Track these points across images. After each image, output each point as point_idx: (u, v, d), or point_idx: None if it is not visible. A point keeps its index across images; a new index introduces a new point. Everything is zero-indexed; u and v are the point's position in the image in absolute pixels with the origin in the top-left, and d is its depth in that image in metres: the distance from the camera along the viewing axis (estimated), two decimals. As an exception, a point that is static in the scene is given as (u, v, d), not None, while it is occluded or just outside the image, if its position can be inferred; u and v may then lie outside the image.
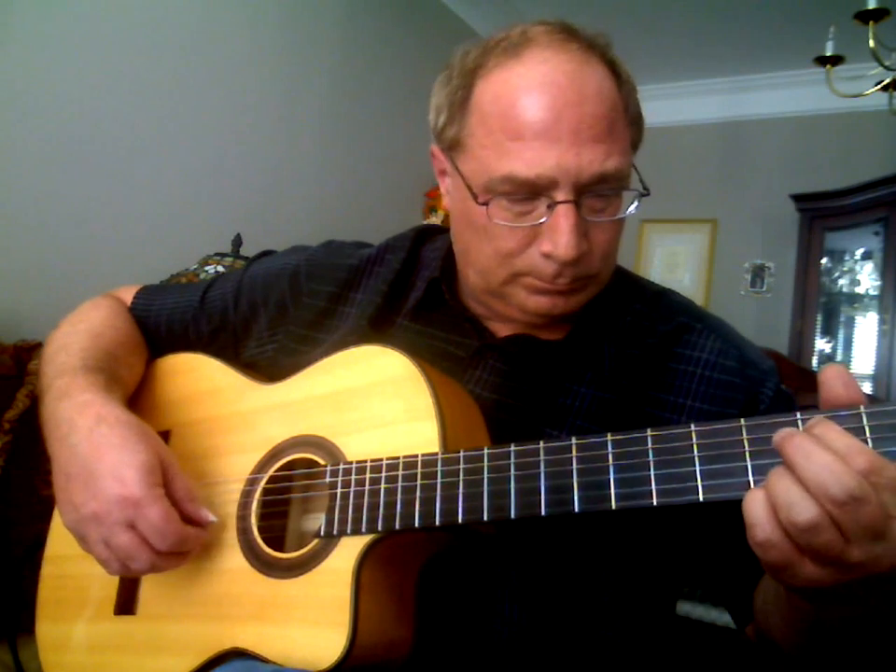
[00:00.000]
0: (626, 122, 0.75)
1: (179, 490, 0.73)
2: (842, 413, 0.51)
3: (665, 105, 4.19)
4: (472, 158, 0.75)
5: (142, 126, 2.22)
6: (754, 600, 0.75)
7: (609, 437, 0.59)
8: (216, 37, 2.45)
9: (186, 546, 0.72)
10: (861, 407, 0.51)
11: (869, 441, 0.50)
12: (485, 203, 0.73)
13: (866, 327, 3.85)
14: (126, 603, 0.82)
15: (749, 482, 0.53)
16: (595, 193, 0.72)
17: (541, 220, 0.72)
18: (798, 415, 0.53)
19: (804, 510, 0.47)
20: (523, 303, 0.77)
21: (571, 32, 0.74)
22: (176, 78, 2.32)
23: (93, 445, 0.73)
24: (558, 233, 0.71)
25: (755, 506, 0.49)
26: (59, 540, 0.91)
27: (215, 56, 2.45)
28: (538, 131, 0.70)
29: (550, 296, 0.76)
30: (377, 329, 0.86)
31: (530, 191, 0.71)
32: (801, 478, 0.48)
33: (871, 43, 2.41)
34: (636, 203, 0.76)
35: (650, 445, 0.58)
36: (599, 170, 0.70)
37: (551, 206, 0.71)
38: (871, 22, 2.39)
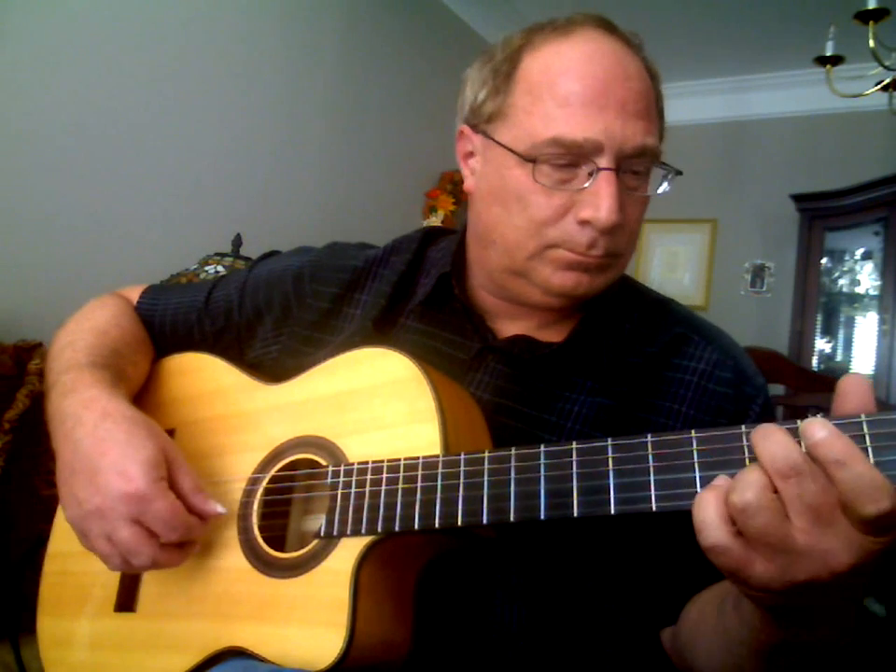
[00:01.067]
0: (658, 112, 0.79)
1: (185, 483, 0.74)
2: (841, 422, 0.51)
3: (665, 105, 4.18)
4: (515, 125, 0.76)
5: (142, 126, 2.22)
6: (687, 614, 0.75)
7: (610, 441, 0.59)
8: (216, 38, 2.45)
9: (192, 536, 0.73)
10: (862, 415, 0.50)
11: (869, 449, 0.50)
12: (532, 161, 0.74)
13: (866, 327, 3.85)
14: (126, 600, 0.82)
15: None
16: (632, 169, 0.75)
17: (584, 186, 0.73)
18: (798, 423, 0.53)
19: (743, 490, 0.48)
20: (547, 280, 0.77)
21: (612, 25, 0.78)
22: (177, 78, 2.32)
23: (98, 440, 0.73)
24: (601, 198, 0.72)
25: (704, 510, 0.50)
26: (61, 537, 0.91)
27: (215, 57, 2.45)
28: (586, 98, 0.72)
29: (576, 272, 0.76)
30: (381, 330, 0.86)
31: (575, 156, 0.73)
32: (757, 455, 0.49)
33: (871, 43, 2.41)
34: (667, 183, 0.79)
35: (650, 451, 0.58)
36: (642, 142, 0.73)
37: (592, 174, 0.73)
38: (871, 22, 2.39)
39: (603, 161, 0.72)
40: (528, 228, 0.75)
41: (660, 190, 0.79)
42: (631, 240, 0.78)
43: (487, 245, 0.81)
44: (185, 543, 0.73)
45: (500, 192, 0.77)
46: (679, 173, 0.78)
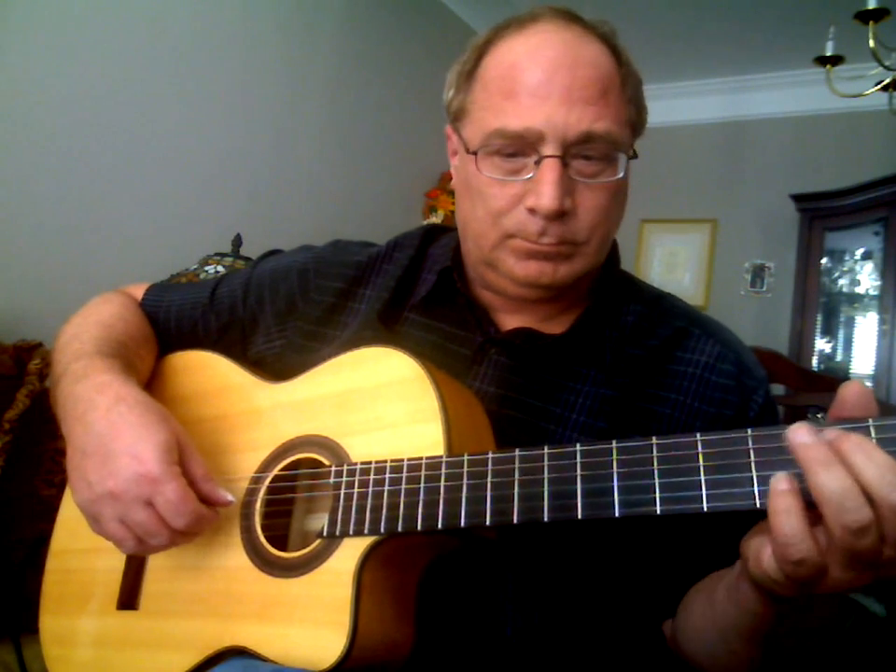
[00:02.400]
0: (623, 97, 0.77)
1: (196, 470, 0.74)
2: (849, 426, 0.51)
3: (665, 105, 4.18)
4: (473, 121, 0.79)
5: (142, 126, 2.22)
6: (682, 605, 0.76)
7: (614, 444, 0.59)
8: (215, 38, 2.45)
9: (201, 525, 0.73)
10: (870, 420, 0.50)
11: None
12: (475, 153, 0.76)
13: (866, 327, 3.84)
14: (129, 598, 0.82)
15: (753, 492, 0.53)
16: (584, 156, 0.74)
17: (528, 175, 0.74)
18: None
19: (859, 514, 0.47)
20: (511, 270, 0.78)
21: (576, 16, 0.78)
22: (176, 79, 2.32)
23: (111, 423, 0.73)
24: (541, 185, 0.73)
25: (791, 524, 0.49)
26: (64, 535, 0.91)
27: (215, 56, 2.45)
28: (530, 89, 0.73)
29: (536, 261, 0.76)
30: (386, 325, 0.87)
31: (520, 146, 0.74)
32: (860, 478, 0.47)
33: (871, 43, 2.41)
34: (623, 168, 0.76)
35: (654, 453, 0.57)
36: (587, 128, 0.73)
37: (538, 162, 0.73)
38: (871, 22, 2.39)
39: (547, 150, 0.73)
40: (487, 219, 0.77)
41: (616, 177, 0.76)
42: (594, 228, 0.77)
43: (465, 239, 0.84)
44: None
45: (467, 186, 0.80)
46: (633, 157, 0.77)
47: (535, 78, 0.73)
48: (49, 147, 1.98)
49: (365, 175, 3.12)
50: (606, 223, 0.78)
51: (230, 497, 0.75)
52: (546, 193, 0.72)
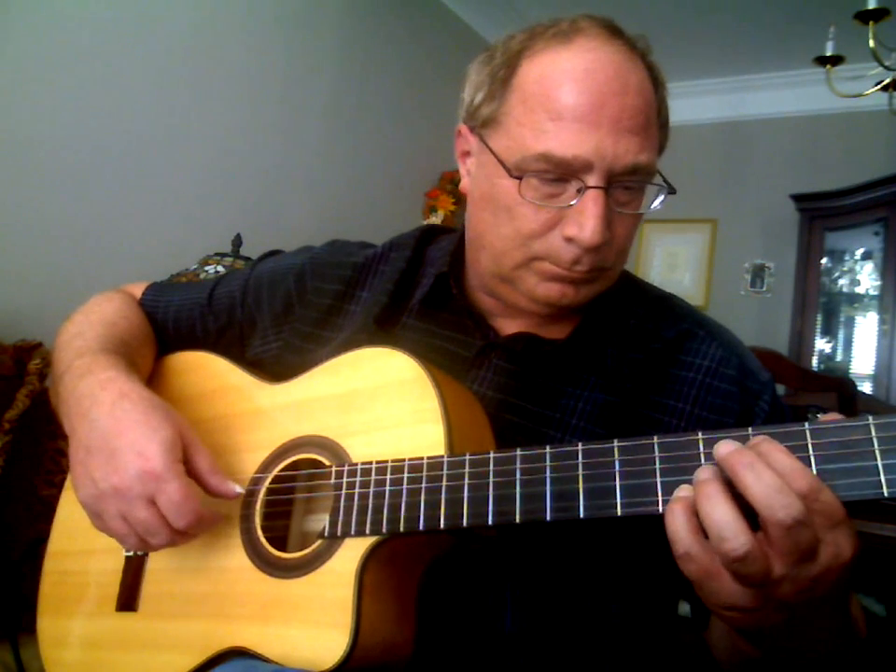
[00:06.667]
0: (658, 123, 0.76)
1: (202, 464, 0.74)
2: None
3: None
4: (507, 135, 0.75)
5: (142, 126, 2.22)
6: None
7: (616, 443, 0.59)
8: (216, 38, 2.45)
9: (201, 527, 0.72)
10: (806, 424, 0.53)
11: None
12: (519, 178, 0.73)
13: (866, 327, 3.85)
14: (128, 600, 0.82)
15: None
16: (623, 185, 0.73)
17: (571, 203, 0.72)
18: (806, 425, 0.53)
19: (739, 544, 0.49)
20: (532, 290, 0.77)
21: (617, 29, 0.76)
22: (177, 79, 2.32)
23: (115, 420, 0.73)
24: (586, 217, 0.71)
25: (675, 523, 0.53)
26: (61, 537, 0.91)
27: (215, 56, 2.45)
28: (579, 114, 0.70)
29: (561, 283, 0.75)
30: (383, 328, 0.86)
31: (563, 172, 0.71)
32: (748, 495, 0.50)
33: (871, 43, 2.41)
34: (661, 198, 0.77)
35: (656, 453, 0.57)
36: (633, 161, 0.71)
37: (580, 191, 0.71)
38: (871, 22, 2.39)
39: (592, 180, 0.70)
40: (515, 238, 0.75)
41: (653, 206, 0.77)
42: (620, 255, 0.77)
43: (479, 249, 0.81)
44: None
45: (490, 200, 0.77)
46: (671, 191, 0.76)
47: (584, 103, 0.70)
48: (49, 147, 1.98)
49: (365, 175, 3.12)
50: (629, 249, 0.79)
51: (238, 489, 0.75)
52: (590, 227, 0.70)
